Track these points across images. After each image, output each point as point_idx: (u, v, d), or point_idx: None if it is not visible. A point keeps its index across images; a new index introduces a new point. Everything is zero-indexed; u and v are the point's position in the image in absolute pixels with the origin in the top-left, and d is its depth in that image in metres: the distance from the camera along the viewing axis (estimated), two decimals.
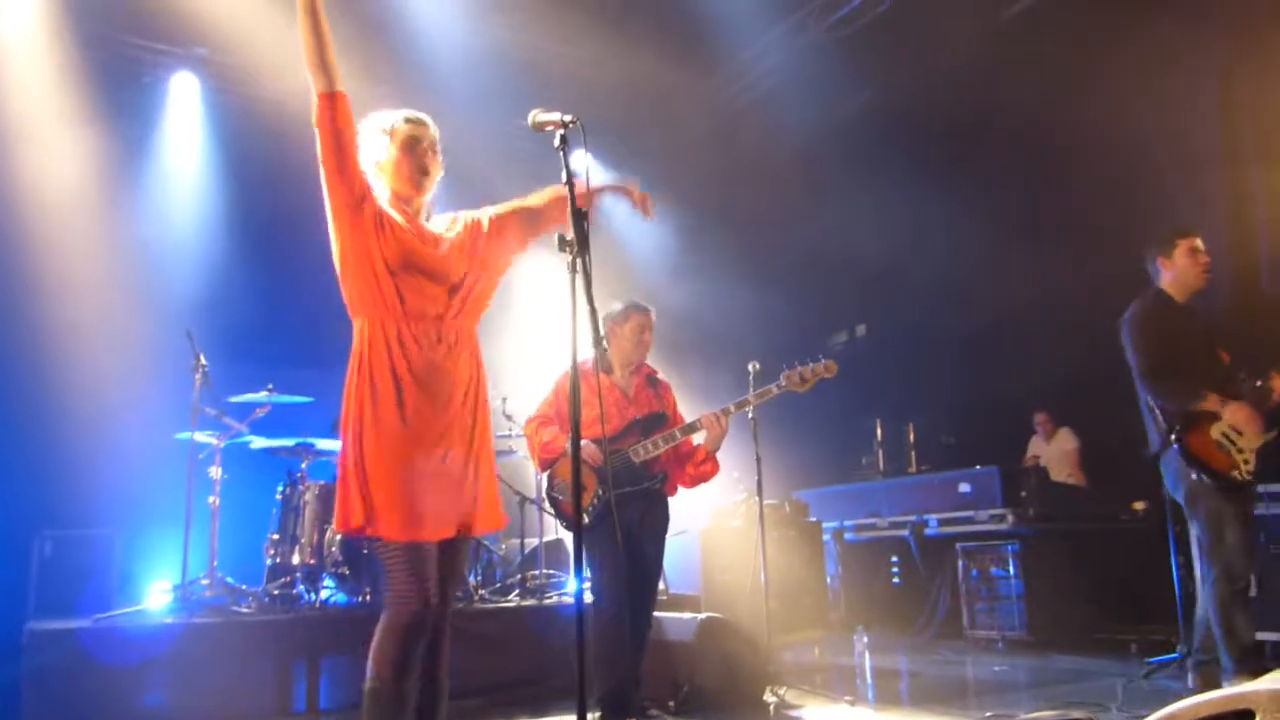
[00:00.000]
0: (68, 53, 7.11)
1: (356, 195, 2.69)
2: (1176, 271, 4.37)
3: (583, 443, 3.91)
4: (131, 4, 7.05)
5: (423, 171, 2.81)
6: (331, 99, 2.65)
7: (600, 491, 4.14)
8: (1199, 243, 4.37)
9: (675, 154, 9.05)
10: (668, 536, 4.37)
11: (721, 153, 8.85)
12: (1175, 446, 4.09)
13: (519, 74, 7.44)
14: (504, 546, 6.96)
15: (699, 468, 4.32)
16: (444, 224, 2.89)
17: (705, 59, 8.06)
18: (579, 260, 2.38)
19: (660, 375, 4.52)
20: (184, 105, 7.90)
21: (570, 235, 2.40)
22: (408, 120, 2.85)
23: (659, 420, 4.29)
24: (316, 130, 2.66)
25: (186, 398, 5.58)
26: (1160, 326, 4.27)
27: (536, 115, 2.63)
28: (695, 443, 4.32)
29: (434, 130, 2.89)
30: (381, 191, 2.80)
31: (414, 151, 2.81)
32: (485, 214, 2.95)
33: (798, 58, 7.92)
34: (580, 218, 2.43)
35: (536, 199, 3.02)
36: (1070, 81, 6.72)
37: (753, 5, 7.46)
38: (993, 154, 7.39)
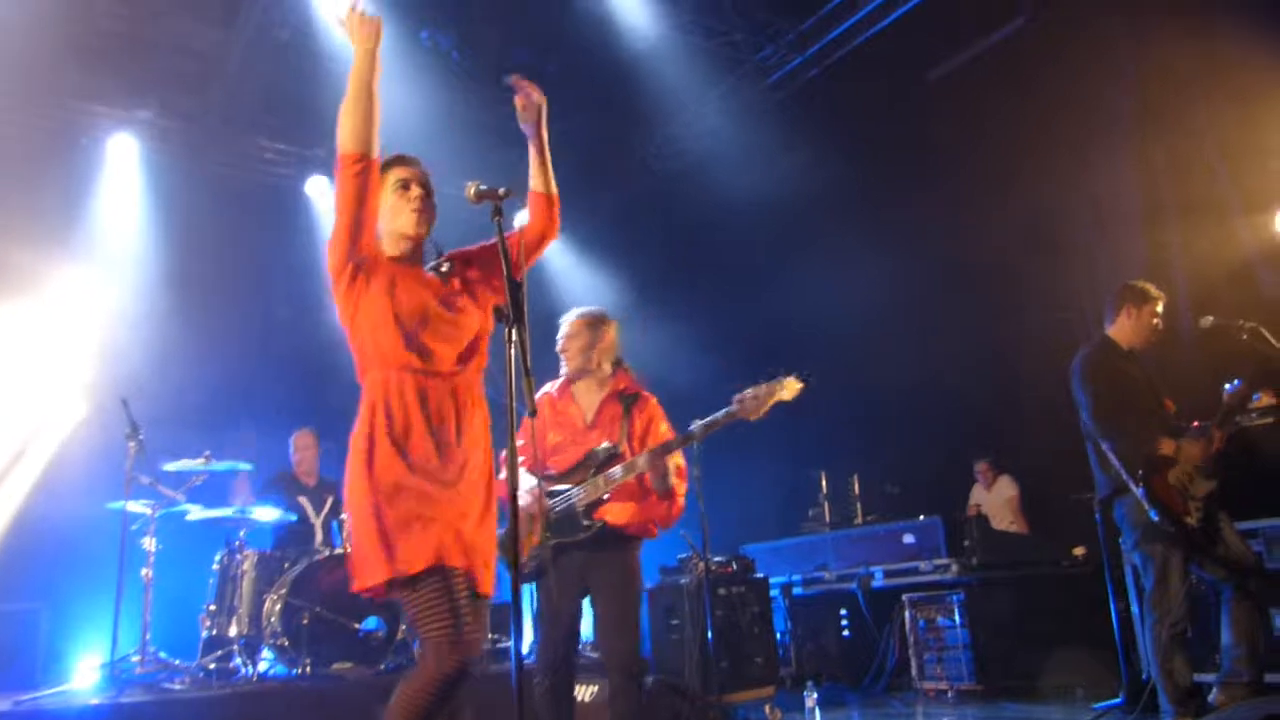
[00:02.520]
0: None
1: (365, 255, 2.69)
2: (1136, 324, 4.50)
3: (527, 483, 3.63)
4: (72, 65, 7.01)
5: (417, 211, 2.78)
6: (369, 165, 2.66)
7: (545, 537, 3.73)
8: (1162, 308, 4.53)
9: (619, 215, 9.16)
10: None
11: (663, 214, 8.98)
12: (1140, 489, 4.15)
13: (463, 136, 7.50)
14: None
15: (655, 509, 3.81)
16: (455, 267, 2.87)
17: (644, 122, 8.22)
18: (514, 330, 2.39)
19: (639, 389, 4.02)
20: (122, 167, 7.82)
21: (506, 307, 2.41)
22: (398, 161, 2.86)
23: (611, 454, 3.80)
24: (340, 191, 2.66)
25: (120, 465, 5.45)
26: (1111, 370, 4.39)
27: (476, 186, 2.64)
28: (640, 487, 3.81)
29: (424, 169, 2.88)
30: (383, 237, 2.80)
31: (406, 193, 2.80)
32: (484, 258, 2.91)
33: (734, 120, 8.12)
34: (516, 288, 2.45)
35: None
36: (995, 139, 6.95)
37: (689, 70, 7.64)
38: (925, 210, 7.60)
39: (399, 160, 2.86)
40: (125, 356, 7.03)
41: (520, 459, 3.42)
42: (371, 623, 5.48)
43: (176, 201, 7.92)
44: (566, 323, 4.02)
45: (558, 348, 4.02)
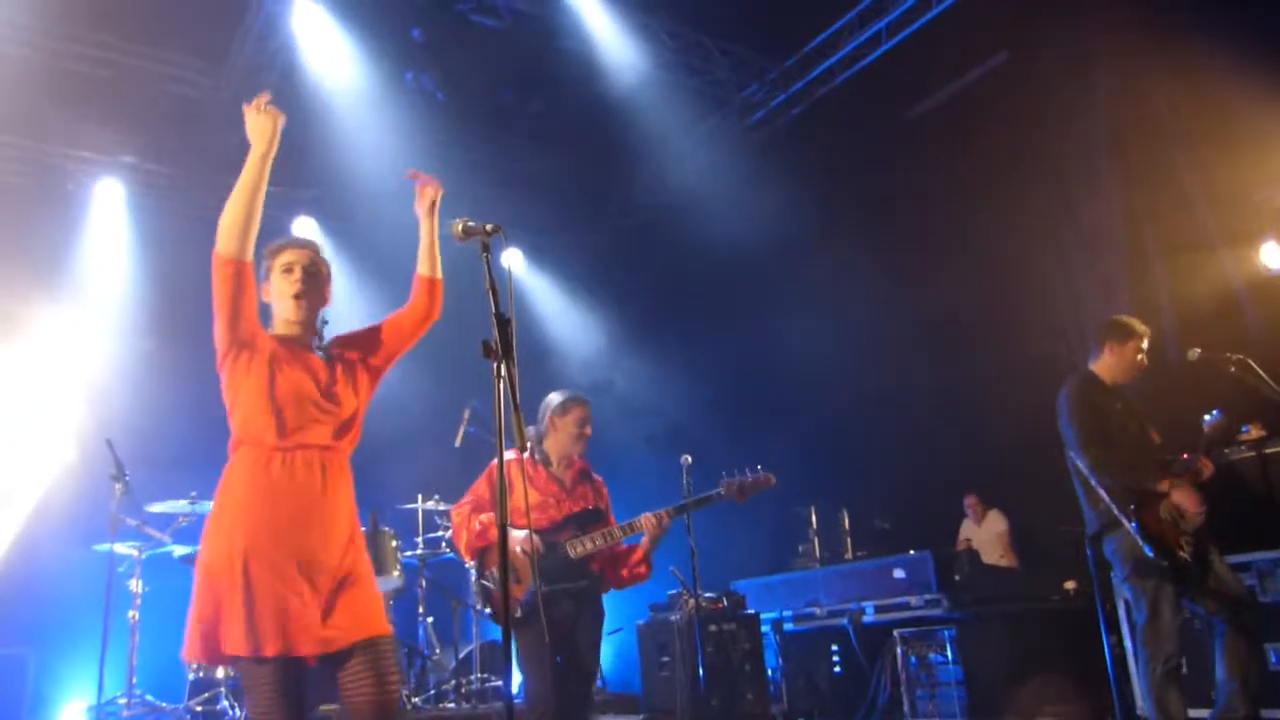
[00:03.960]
0: None
1: (245, 340, 2.81)
2: (1119, 360, 4.52)
3: (518, 533, 3.97)
4: (56, 111, 7.05)
5: (296, 296, 2.92)
6: (241, 268, 2.77)
7: (534, 584, 3.99)
8: (1146, 344, 4.56)
9: (605, 252, 9.21)
10: (603, 635, 4.24)
11: (649, 251, 9.03)
12: (1133, 525, 4.15)
13: (450, 174, 7.54)
14: (438, 652, 6.78)
15: (634, 570, 4.25)
16: (337, 348, 3.00)
17: (629, 160, 8.29)
18: (502, 365, 2.40)
19: (594, 472, 4.44)
20: (108, 211, 7.84)
21: (494, 341, 2.42)
22: (286, 246, 3.01)
23: (596, 516, 4.20)
24: (216, 287, 2.78)
25: (105, 508, 5.41)
26: (1096, 404, 4.41)
27: (464, 223, 2.68)
28: (626, 543, 4.23)
29: (314, 254, 3.01)
30: (273, 319, 2.94)
31: (288, 277, 2.93)
32: (367, 340, 3.05)
33: (717, 158, 8.19)
34: (504, 324, 2.47)
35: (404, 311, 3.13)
36: (978, 175, 7.03)
37: (672, 108, 7.72)
38: (908, 246, 7.66)
39: (286, 245, 3.01)
40: (110, 399, 6.99)
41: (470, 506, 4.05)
42: None
43: (162, 244, 7.92)
44: (560, 408, 4.28)
45: (545, 425, 4.29)
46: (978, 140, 6.97)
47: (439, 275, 3.15)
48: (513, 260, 8.70)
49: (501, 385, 2.44)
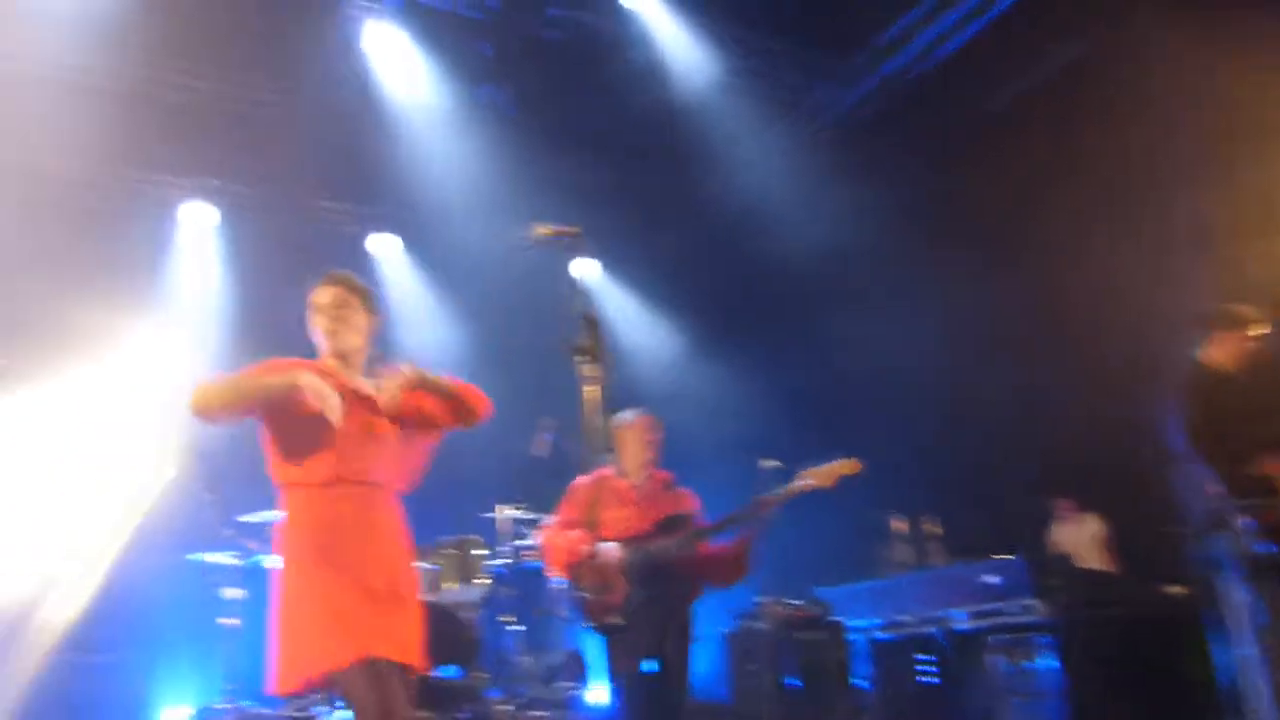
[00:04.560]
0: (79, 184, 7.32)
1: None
2: (1228, 348, 4.38)
3: (609, 544, 4.07)
4: (144, 137, 7.28)
5: (325, 334, 3.11)
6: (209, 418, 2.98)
7: (630, 592, 4.06)
8: (1258, 329, 4.40)
9: (677, 260, 9.18)
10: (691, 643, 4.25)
11: (720, 258, 8.97)
12: (1249, 520, 3.98)
13: (516, 184, 7.61)
14: (526, 660, 6.80)
15: (729, 569, 4.24)
16: (388, 383, 3.06)
17: (699, 167, 8.25)
18: (595, 366, 2.38)
19: (677, 482, 4.48)
20: (195, 231, 8.09)
21: (581, 342, 2.41)
22: (317, 284, 3.17)
23: (682, 521, 4.21)
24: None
25: (200, 518, 5.56)
26: (1207, 395, 4.25)
27: (542, 227, 2.69)
28: (719, 541, 4.25)
29: (343, 290, 3.16)
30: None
31: (316, 316, 3.13)
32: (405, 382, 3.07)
33: (788, 162, 8.09)
34: (594, 325, 2.45)
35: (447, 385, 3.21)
36: (1057, 172, 6.82)
37: (741, 113, 7.66)
38: (989, 246, 7.47)
39: (318, 283, 3.17)
40: None
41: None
42: (447, 670, 5.47)
43: (246, 262, 8.15)
44: (623, 423, 4.38)
45: (619, 444, 4.38)
46: (1059, 135, 6.77)
47: (452, 389, 3.21)
48: (587, 270, 8.73)
49: (589, 386, 2.42)
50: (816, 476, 4.14)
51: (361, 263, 8.80)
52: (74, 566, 6.74)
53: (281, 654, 2.85)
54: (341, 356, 3.13)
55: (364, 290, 3.22)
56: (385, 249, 8.76)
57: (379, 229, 8.79)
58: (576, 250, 2.63)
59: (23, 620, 6.45)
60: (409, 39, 6.55)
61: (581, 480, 4.43)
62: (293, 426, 2.96)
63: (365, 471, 3.00)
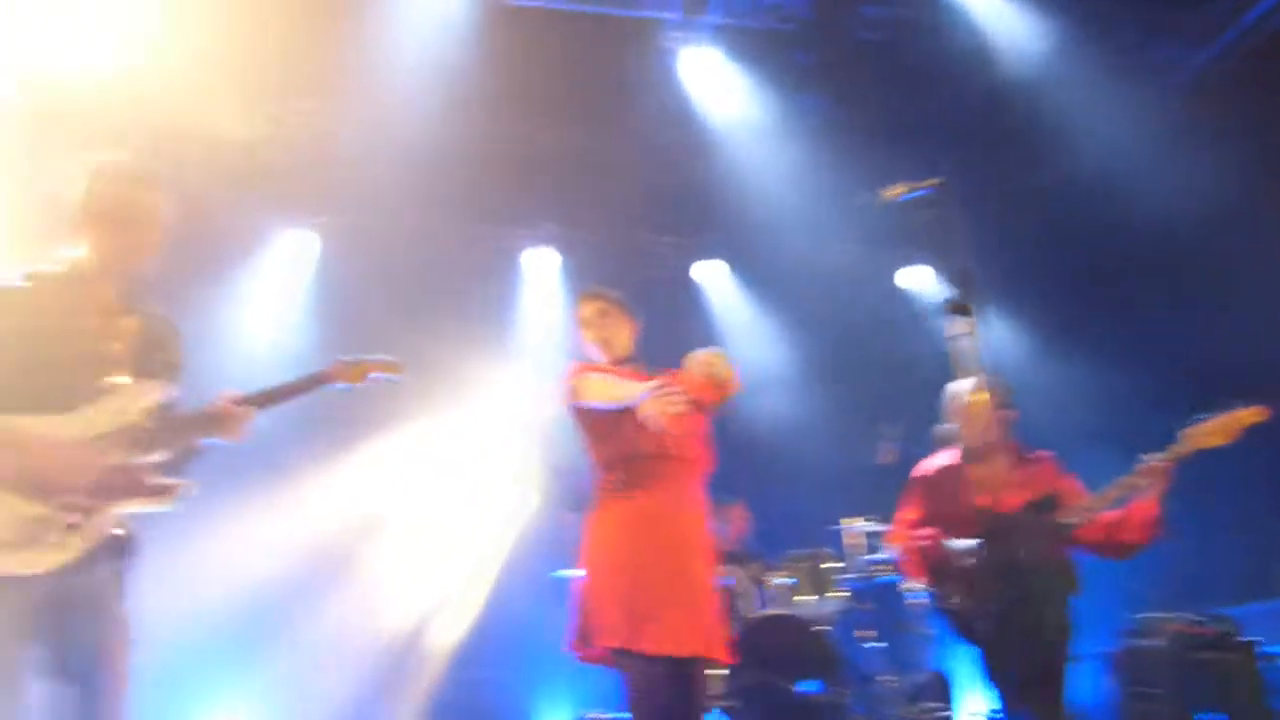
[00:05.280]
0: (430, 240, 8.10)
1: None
2: None
3: (960, 543, 3.73)
4: (486, 188, 7.93)
5: (600, 340, 3.55)
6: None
7: (996, 594, 3.64)
8: None
9: (1021, 244, 8.55)
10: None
11: (1069, 239, 8.24)
12: None
13: (841, 192, 7.42)
14: (889, 679, 6.53)
15: (1132, 535, 3.72)
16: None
17: (1032, 146, 7.66)
18: (969, 322, 2.21)
19: (1030, 450, 4.03)
20: (538, 275, 8.69)
21: (955, 298, 2.24)
22: (581, 300, 3.66)
23: (1052, 501, 3.73)
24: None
25: (562, 536, 5.89)
26: None
27: (896, 187, 2.58)
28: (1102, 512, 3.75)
29: (604, 300, 3.62)
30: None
31: (588, 326, 3.62)
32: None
33: (1135, 130, 7.28)
34: (967, 276, 2.29)
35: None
36: None
37: (1081, 83, 7.02)
38: None
39: (579, 299, 3.69)
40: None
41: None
42: (809, 685, 5.36)
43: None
44: (962, 392, 3.97)
45: (954, 416, 4.08)
46: None
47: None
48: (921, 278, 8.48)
49: (964, 342, 2.24)
50: (1213, 429, 3.52)
51: (690, 292, 9.04)
52: (459, 589, 7.40)
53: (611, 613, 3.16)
54: (616, 360, 3.50)
55: (619, 300, 3.64)
56: (712, 275, 8.92)
57: (701, 258, 8.98)
58: (940, 205, 2.46)
59: (418, 641, 7.15)
60: (724, 59, 6.67)
61: (923, 469, 4.13)
62: (629, 423, 3.21)
63: (679, 453, 3.34)
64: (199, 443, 2.73)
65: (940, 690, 6.07)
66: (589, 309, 3.60)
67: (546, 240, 8.65)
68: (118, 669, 2.50)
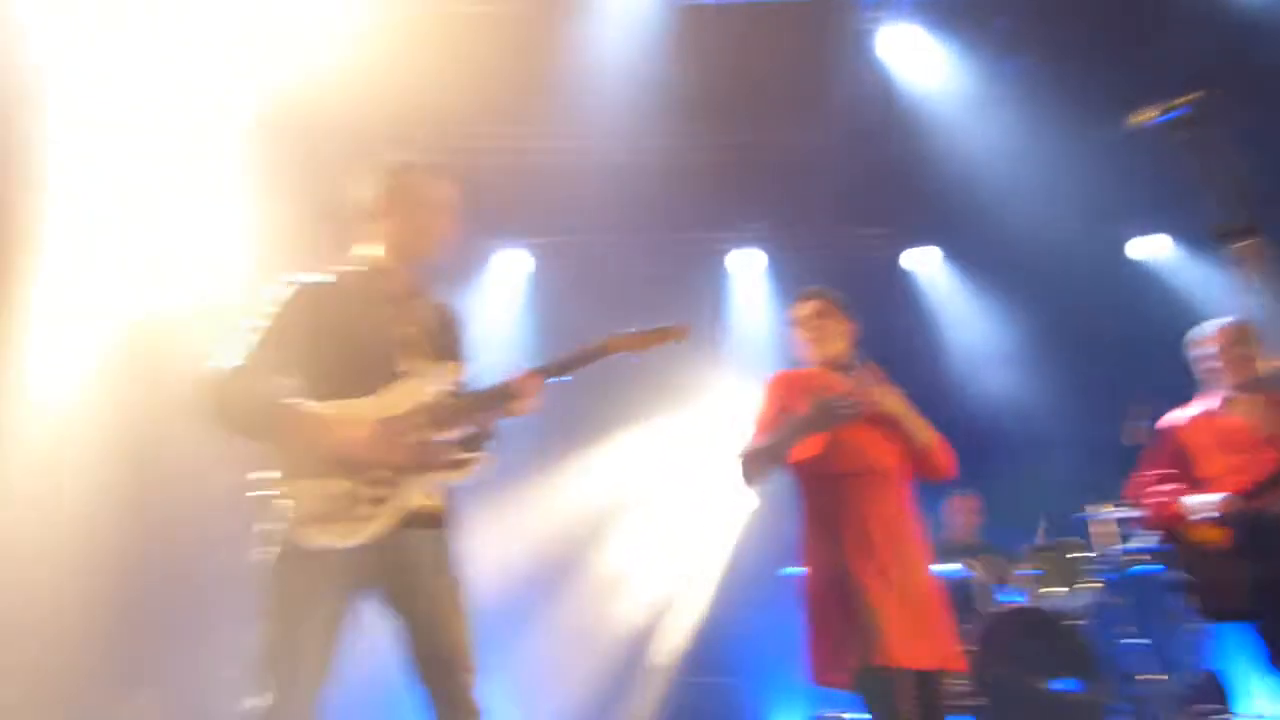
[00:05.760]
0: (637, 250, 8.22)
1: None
2: None
3: (1209, 499, 3.45)
4: (694, 196, 7.96)
5: (812, 341, 3.61)
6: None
7: (1255, 567, 3.37)
8: None
9: None
10: None
11: None
12: None
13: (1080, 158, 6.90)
14: (1160, 678, 6.00)
15: None
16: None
17: None
18: (1251, 245, 1.94)
19: None
20: (747, 276, 8.65)
21: (1230, 222, 1.98)
22: (799, 299, 3.72)
23: None
24: None
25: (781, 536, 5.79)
26: None
27: (1146, 110, 2.34)
28: None
29: (822, 300, 3.68)
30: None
31: (802, 326, 3.66)
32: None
33: None
34: (1245, 196, 2.01)
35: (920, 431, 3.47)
36: None
37: None
38: None
39: (798, 298, 3.72)
40: None
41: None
42: (1066, 683, 4.99)
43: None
44: (1217, 332, 3.80)
45: (1206, 362, 3.86)
46: None
47: (930, 440, 3.45)
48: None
49: (1250, 275, 1.97)
50: None
51: (900, 282, 8.74)
52: (686, 594, 7.44)
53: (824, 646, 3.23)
54: (828, 362, 3.55)
55: (837, 300, 3.65)
56: (924, 262, 8.59)
57: (910, 245, 8.66)
58: (1202, 123, 2.20)
59: (649, 646, 7.23)
60: (923, 34, 6.40)
61: (1174, 419, 3.83)
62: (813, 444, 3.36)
63: (872, 461, 3.35)
64: (494, 418, 2.87)
65: (1215, 692, 5.51)
66: (805, 309, 3.61)
67: (753, 241, 8.60)
68: (452, 632, 2.70)
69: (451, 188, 2.99)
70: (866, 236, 8.79)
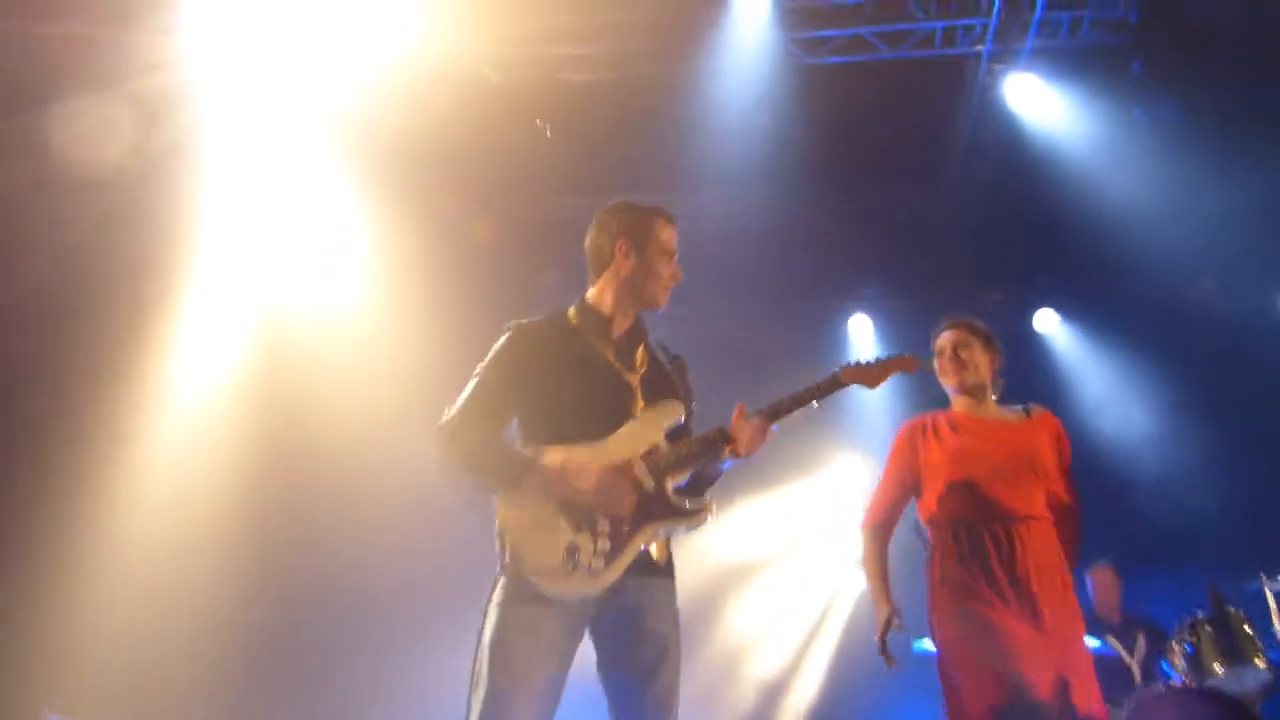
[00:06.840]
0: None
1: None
2: None
3: None
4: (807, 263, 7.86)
5: (952, 373, 3.62)
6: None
7: None
8: None
9: None
10: None
11: None
12: None
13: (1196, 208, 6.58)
14: None
15: None
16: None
17: None
18: None
19: None
20: (862, 341, 8.44)
21: None
22: (941, 329, 3.71)
23: None
24: None
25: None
26: None
27: None
28: None
29: (961, 333, 3.65)
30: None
31: (941, 356, 3.64)
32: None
33: None
34: None
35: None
36: None
37: None
38: None
39: (939, 329, 3.69)
40: None
41: None
42: None
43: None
44: None
45: None
46: None
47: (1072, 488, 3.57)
48: None
49: None
50: None
51: (1028, 345, 8.36)
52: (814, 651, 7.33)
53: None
54: (968, 393, 3.56)
55: (982, 330, 3.63)
56: (1055, 325, 8.22)
57: (1038, 307, 8.31)
58: None
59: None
60: (1045, 85, 6.22)
61: None
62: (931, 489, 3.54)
63: (1004, 504, 3.36)
64: (717, 463, 2.83)
65: None
66: (945, 339, 3.60)
67: (869, 306, 8.41)
68: (664, 681, 2.64)
69: (675, 232, 2.97)
70: (986, 301, 8.47)
